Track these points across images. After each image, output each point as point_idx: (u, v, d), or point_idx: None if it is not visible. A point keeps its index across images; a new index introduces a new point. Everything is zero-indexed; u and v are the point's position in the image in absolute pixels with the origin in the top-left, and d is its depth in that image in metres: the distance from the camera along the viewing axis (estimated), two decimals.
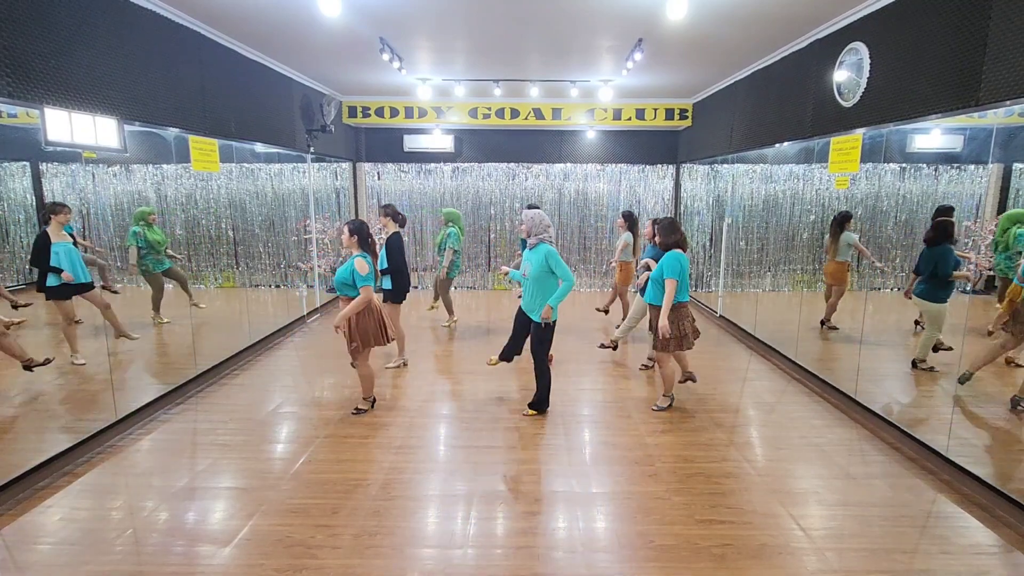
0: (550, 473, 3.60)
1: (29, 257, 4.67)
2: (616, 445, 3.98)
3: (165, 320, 6.07)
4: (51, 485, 3.38)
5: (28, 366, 4.33)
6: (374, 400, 4.59)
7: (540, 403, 4.47)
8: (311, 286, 8.19)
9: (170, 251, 6.03)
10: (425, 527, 3.02)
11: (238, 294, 7.04)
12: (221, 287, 6.87)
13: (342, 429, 4.20)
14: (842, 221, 5.99)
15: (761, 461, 3.78)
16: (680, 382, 4.77)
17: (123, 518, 3.07)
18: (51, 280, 4.53)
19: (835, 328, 6.27)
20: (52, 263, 4.49)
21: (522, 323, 4.51)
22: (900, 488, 3.43)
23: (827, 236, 6.10)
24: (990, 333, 4.81)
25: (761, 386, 5.28)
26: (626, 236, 6.68)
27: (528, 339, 4.43)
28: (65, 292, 4.65)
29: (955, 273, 4.74)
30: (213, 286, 6.78)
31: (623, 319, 7.26)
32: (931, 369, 4.95)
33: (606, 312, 7.58)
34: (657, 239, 4.49)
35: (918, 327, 5.91)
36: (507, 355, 4.71)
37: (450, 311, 7.18)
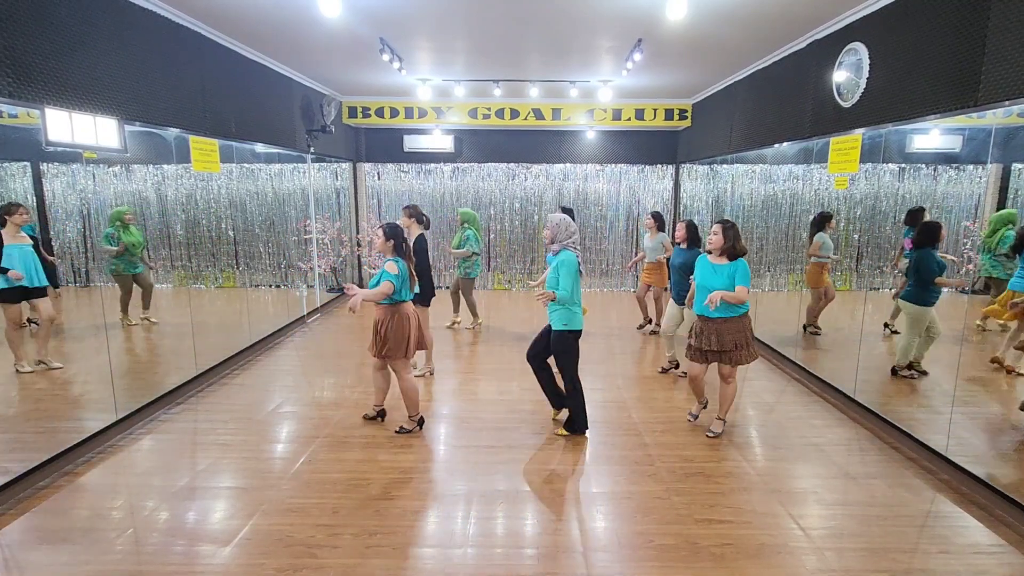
0: (550, 473, 3.60)
1: None
2: (615, 445, 3.99)
3: (134, 322, 5.92)
4: (52, 484, 3.39)
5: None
6: (422, 419, 4.23)
7: (574, 423, 4.08)
8: (311, 286, 8.20)
9: (146, 258, 5.86)
10: (425, 526, 3.03)
11: (238, 294, 7.05)
12: (221, 287, 6.87)
13: (342, 429, 4.20)
14: (820, 222, 5.83)
15: (760, 461, 3.79)
16: (696, 413, 4.35)
17: (124, 518, 3.07)
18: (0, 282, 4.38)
19: (817, 332, 6.12)
20: (3, 264, 4.33)
21: (544, 333, 4.15)
22: (899, 487, 3.43)
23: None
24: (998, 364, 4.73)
25: (760, 386, 5.28)
26: (662, 237, 6.51)
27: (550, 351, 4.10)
28: (12, 295, 4.44)
29: (939, 279, 4.56)
30: (213, 286, 6.78)
31: (645, 320, 7.16)
32: (911, 377, 4.86)
33: (650, 322, 7.15)
34: (719, 244, 3.88)
35: (887, 330, 5.85)
36: (550, 392, 4.27)
37: (474, 313, 7.09)
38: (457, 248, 6.65)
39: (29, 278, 4.49)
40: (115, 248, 5.49)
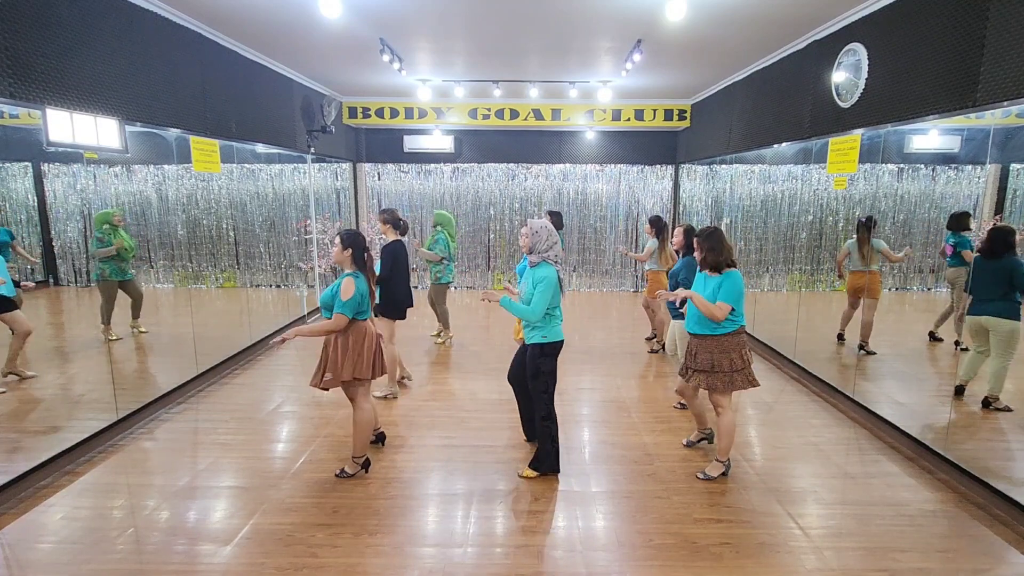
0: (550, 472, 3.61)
1: None
2: (615, 444, 4.00)
3: (116, 337, 5.61)
4: (53, 484, 3.40)
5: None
6: (367, 461, 3.54)
7: (540, 460, 3.53)
8: (311, 286, 8.20)
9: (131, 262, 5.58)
10: (425, 526, 3.04)
11: (239, 294, 7.06)
12: (222, 287, 6.88)
13: (342, 428, 4.21)
14: (871, 226, 5.39)
15: (759, 460, 3.80)
16: (694, 440, 3.97)
17: (124, 517, 3.08)
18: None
19: (872, 352, 5.53)
20: None
21: (521, 352, 3.68)
22: (898, 487, 3.44)
23: (851, 243, 5.49)
24: None
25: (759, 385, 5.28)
26: (651, 243, 6.02)
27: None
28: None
29: None
30: (214, 286, 6.79)
31: (652, 332, 6.57)
32: (1007, 409, 4.18)
33: (659, 344, 6.35)
34: (699, 256, 3.48)
35: (958, 347, 5.16)
36: (527, 419, 3.86)
37: (445, 324, 6.55)
38: (428, 250, 6.19)
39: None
40: (110, 249, 5.21)
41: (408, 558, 2.75)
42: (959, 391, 4.38)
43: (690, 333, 3.55)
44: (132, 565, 2.69)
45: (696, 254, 3.52)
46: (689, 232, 4.46)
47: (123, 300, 5.62)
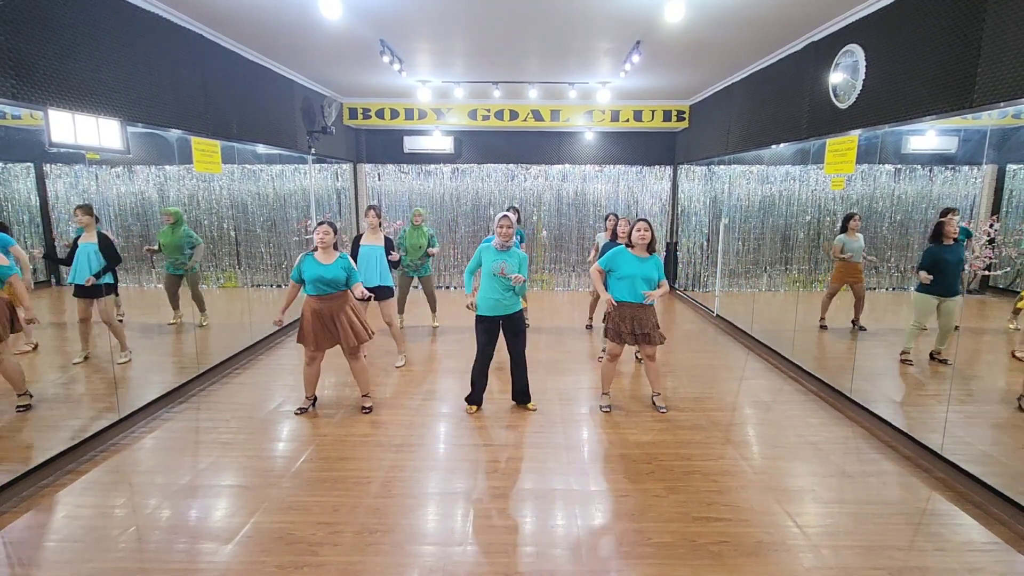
0: (549, 471, 3.63)
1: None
2: (614, 443, 4.02)
3: (177, 320, 6.17)
4: (55, 483, 3.41)
5: (22, 405, 4.21)
6: (368, 405, 4.56)
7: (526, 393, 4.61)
8: None
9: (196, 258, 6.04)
10: (425, 524, 3.06)
11: (240, 294, 7.07)
12: (223, 287, 6.90)
13: (343, 427, 4.23)
14: (843, 221, 6.04)
15: (757, 459, 3.82)
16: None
17: (126, 515, 3.10)
18: (72, 278, 4.90)
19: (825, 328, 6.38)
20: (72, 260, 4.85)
21: (495, 329, 4.41)
22: (895, 486, 3.46)
23: (844, 238, 6.11)
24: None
25: (758, 385, 5.31)
26: (599, 236, 6.77)
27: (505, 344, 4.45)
28: (78, 291, 4.92)
29: (921, 271, 4.97)
30: (215, 286, 6.81)
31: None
32: (907, 362, 5.16)
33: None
34: (639, 235, 4.35)
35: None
36: (480, 391, 4.58)
37: (434, 308, 7.19)
38: (429, 243, 6.63)
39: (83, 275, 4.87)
40: (153, 247, 5.91)
41: (408, 556, 2.77)
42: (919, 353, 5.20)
43: (627, 303, 4.30)
44: (133, 564, 2.71)
45: (647, 234, 4.26)
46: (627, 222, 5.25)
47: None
